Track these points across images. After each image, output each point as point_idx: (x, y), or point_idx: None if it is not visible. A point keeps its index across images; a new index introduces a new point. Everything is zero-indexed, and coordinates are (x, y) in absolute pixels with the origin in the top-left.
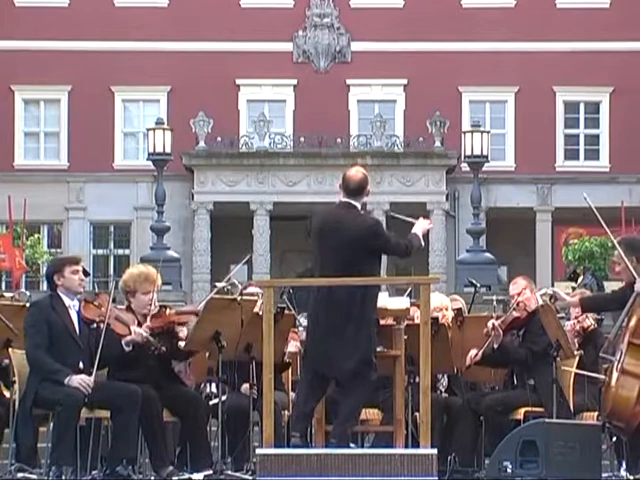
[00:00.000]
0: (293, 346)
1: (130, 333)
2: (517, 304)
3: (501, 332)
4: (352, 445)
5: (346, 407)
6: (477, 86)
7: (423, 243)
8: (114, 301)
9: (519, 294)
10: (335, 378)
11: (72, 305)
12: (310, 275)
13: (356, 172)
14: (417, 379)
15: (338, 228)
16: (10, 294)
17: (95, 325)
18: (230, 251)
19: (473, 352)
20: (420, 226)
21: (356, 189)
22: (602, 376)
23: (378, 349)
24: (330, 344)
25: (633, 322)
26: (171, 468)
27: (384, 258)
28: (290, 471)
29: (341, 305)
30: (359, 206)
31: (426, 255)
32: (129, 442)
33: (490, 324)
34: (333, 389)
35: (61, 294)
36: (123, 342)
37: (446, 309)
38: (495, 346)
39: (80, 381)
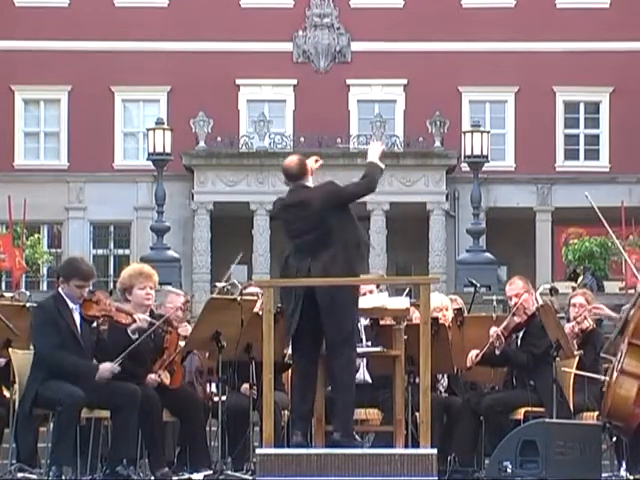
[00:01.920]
0: None
1: (134, 321)
2: (517, 308)
3: (504, 340)
4: (357, 437)
5: (339, 399)
6: (477, 86)
7: (383, 165)
8: (110, 294)
9: (517, 295)
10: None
11: (74, 307)
12: (285, 263)
13: (290, 159)
14: (417, 379)
15: (301, 205)
16: (10, 294)
17: (96, 323)
18: (230, 251)
19: (474, 352)
20: (373, 151)
21: (298, 172)
22: (601, 376)
23: (378, 349)
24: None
25: (633, 323)
26: (166, 469)
27: (384, 257)
28: (290, 471)
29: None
30: (310, 184)
31: (426, 255)
32: (129, 442)
33: (493, 333)
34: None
35: (63, 294)
36: (129, 331)
37: (446, 309)
38: (497, 353)
39: (110, 369)
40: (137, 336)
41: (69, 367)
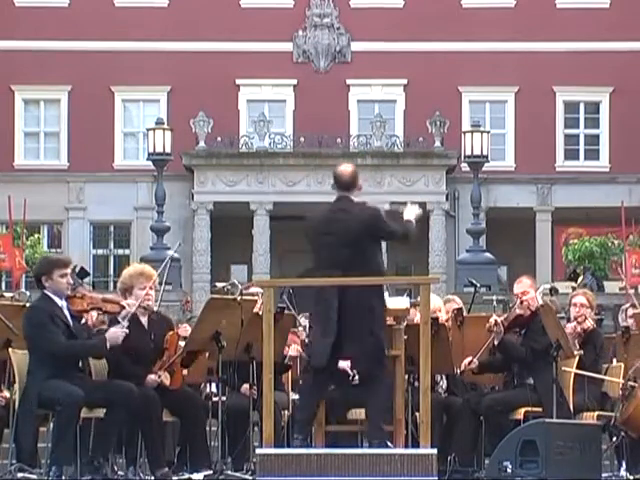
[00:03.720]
0: (294, 350)
1: (123, 308)
2: (521, 302)
3: (502, 329)
4: (389, 444)
5: (373, 407)
6: (477, 86)
7: (414, 226)
8: (93, 287)
9: (523, 293)
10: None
11: (62, 305)
12: (311, 275)
13: (345, 167)
14: (417, 379)
15: (339, 221)
16: (10, 294)
17: (84, 320)
18: (230, 251)
19: (468, 360)
20: (410, 212)
21: (349, 182)
22: (602, 376)
23: None
24: (342, 343)
25: None
26: (166, 469)
27: (384, 257)
28: (290, 471)
29: (351, 302)
30: (355, 199)
31: (426, 255)
32: (111, 438)
33: (492, 320)
34: (333, 390)
35: (50, 294)
36: (119, 318)
37: (439, 310)
38: (495, 342)
39: (119, 333)
40: (127, 323)
41: (82, 352)
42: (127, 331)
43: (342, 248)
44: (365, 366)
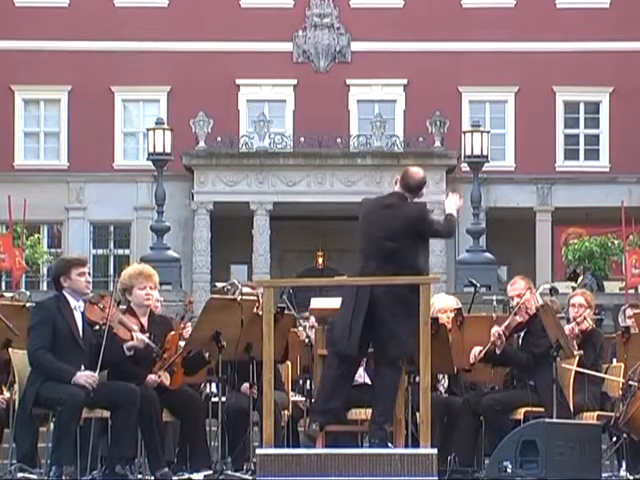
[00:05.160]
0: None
1: (132, 338)
2: (519, 308)
3: (505, 339)
4: (390, 445)
5: (379, 406)
6: (477, 86)
7: (455, 220)
8: (118, 304)
9: (519, 296)
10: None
11: (77, 306)
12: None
13: (417, 171)
14: (417, 379)
15: (387, 215)
16: (10, 294)
17: (98, 327)
18: (230, 251)
19: (477, 349)
20: (452, 204)
21: (413, 187)
22: (603, 375)
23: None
24: (375, 331)
25: None
26: (166, 470)
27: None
28: (290, 471)
29: (388, 295)
30: (410, 201)
31: None
32: (127, 441)
33: (495, 332)
34: None
35: (67, 295)
36: (125, 347)
37: (451, 310)
38: (498, 352)
39: (86, 379)
40: (132, 353)
41: (47, 368)
42: (96, 383)
43: (383, 241)
44: (382, 364)
